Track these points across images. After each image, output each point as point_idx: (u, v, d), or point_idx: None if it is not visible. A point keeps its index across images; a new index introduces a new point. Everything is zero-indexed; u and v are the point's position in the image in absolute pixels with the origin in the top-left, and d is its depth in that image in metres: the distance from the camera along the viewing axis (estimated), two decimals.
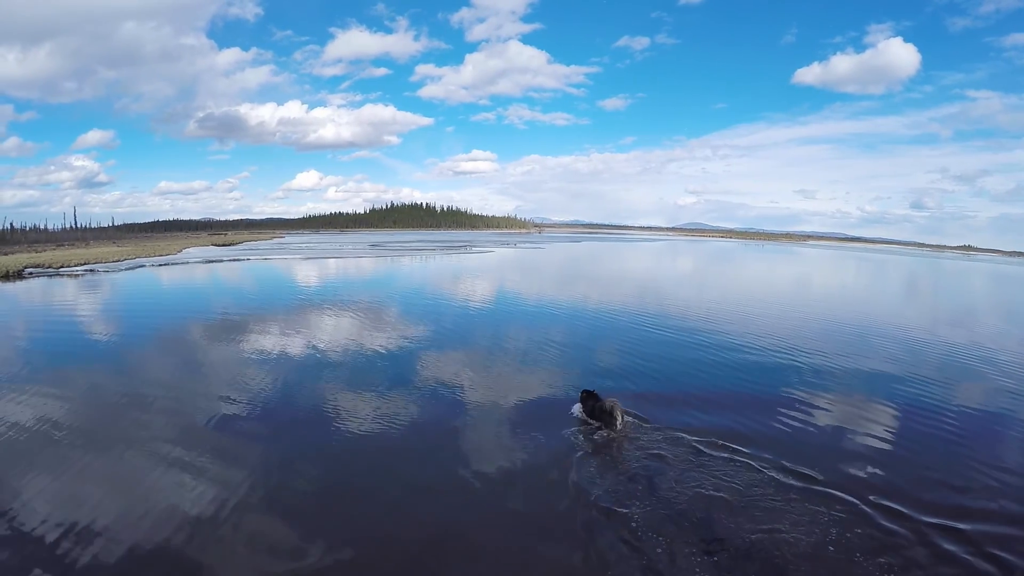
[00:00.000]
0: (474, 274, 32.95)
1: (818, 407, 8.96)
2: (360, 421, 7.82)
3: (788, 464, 6.54)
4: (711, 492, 5.86)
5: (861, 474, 6.52)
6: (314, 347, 12.32)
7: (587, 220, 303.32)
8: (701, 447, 6.92)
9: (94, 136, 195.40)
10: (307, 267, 36.02)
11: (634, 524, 5.24)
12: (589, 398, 7.90)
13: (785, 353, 12.66)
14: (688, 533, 5.12)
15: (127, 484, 5.90)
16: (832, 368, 11.56)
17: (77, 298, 21.13)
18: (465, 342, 13.28)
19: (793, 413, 8.57)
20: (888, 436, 7.83)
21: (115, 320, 15.87)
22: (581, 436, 7.32)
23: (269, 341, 13.01)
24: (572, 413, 8.07)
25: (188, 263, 37.36)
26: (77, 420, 7.78)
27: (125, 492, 5.70)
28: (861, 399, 9.58)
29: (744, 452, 6.81)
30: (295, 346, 12.43)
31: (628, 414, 7.69)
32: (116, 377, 10.06)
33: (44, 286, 24.62)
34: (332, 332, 14.08)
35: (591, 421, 7.59)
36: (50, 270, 30.94)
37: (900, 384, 10.49)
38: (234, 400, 8.67)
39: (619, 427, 7.23)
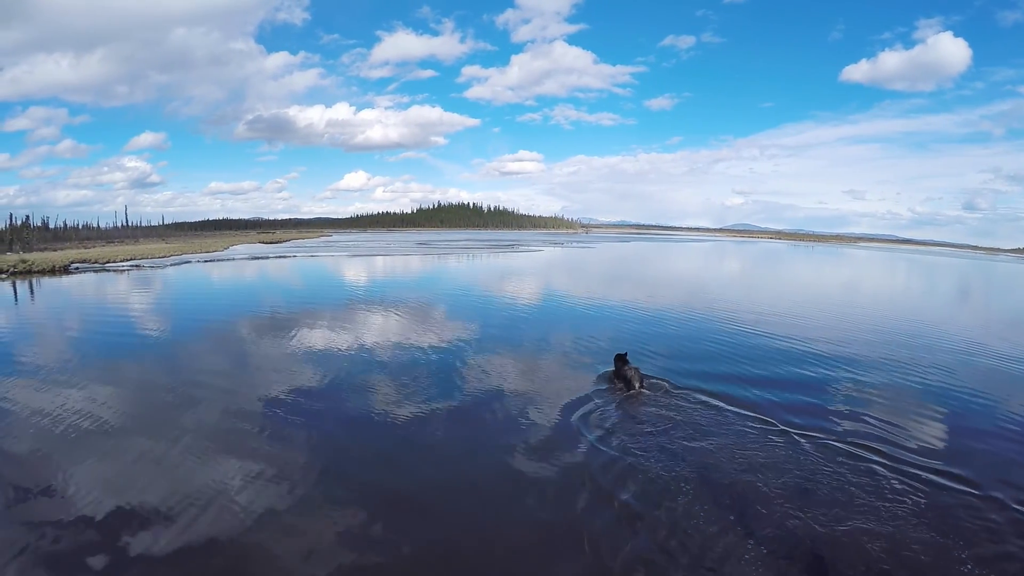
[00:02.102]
0: (529, 272, 30.60)
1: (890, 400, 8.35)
2: (409, 414, 7.40)
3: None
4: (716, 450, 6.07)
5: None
6: (364, 342, 11.45)
7: (634, 221, 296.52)
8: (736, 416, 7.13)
9: (146, 138, 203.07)
10: (355, 264, 34.30)
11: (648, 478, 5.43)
12: (618, 361, 8.64)
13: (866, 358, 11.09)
14: (707, 491, 5.22)
15: (172, 473, 5.69)
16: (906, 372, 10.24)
17: (117, 292, 20.46)
18: (523, 333, 12.94)
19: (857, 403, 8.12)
20: (941, 424, 7.46)
21: (156, 314, 15.21)
22: (607, 393, 8.02)
23: (313, 336, 12.13)
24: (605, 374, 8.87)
25: (233, 259, 36.49)
26: (110, 415, 7.26)
27: (171, 481, 5.50)
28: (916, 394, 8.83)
29: (795, 432, 6.66)
30: (343, 341, 11.56)
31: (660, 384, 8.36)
32: (153, 370, 9.56)
33: (86, 280, 24.18)
34: (382, 328, 12.98)
35: (617, 382, 8.36)
36: (96, 265, 30.46)
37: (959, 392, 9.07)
38: (277, 392, 8.19)
39: (637, 388, 7.93)
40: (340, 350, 10.73)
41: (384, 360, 10.00)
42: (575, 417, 7.06)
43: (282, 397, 7.91)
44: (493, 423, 7.07)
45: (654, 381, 8.39)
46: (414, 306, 16.24)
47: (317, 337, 11.91)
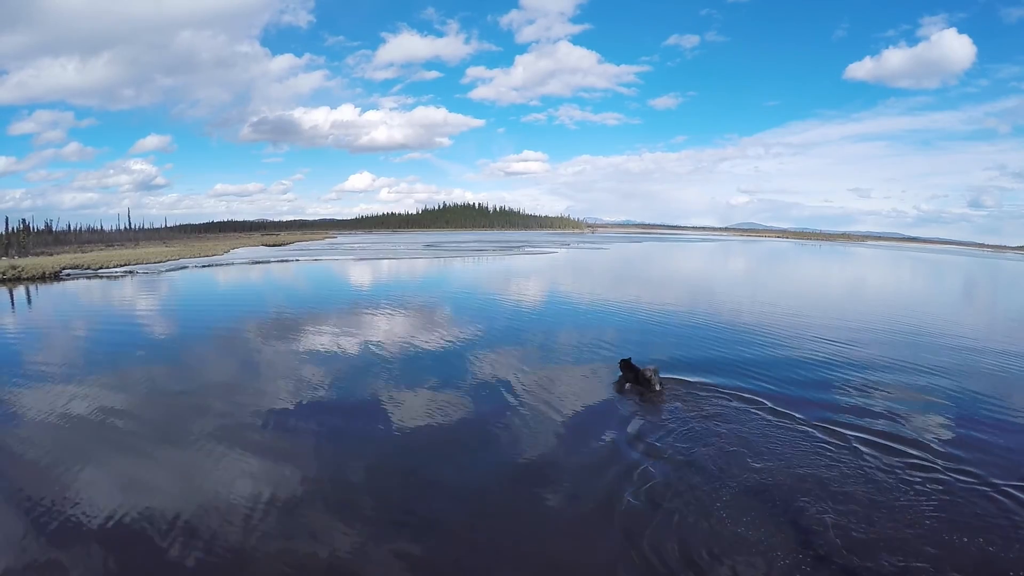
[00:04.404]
0: (550, 275, 29.06)
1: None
2: (426, 415, 7.54)
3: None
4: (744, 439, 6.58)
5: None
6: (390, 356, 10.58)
7: (639, 220, 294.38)
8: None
9: (152, 141, 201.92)
10: (362, 271, 32.76)
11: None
12: (628, 368, 8.81)
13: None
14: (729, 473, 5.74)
15: (176, 473, 5.74)
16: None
17: (101, 302, 19.28)
18: (550, 335, 13.17)
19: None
20: (950, 402, 8.12)
21: (135, 329, 14.00)
22: (626, 397, 8.30)
23: (313, 346, 11.11)
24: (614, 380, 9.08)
25: (233, 264, 35.05)
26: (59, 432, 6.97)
27: (174, 480, 5.55)
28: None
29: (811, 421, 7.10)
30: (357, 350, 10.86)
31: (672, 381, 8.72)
32: (130, 384, 9.18)
33: (74, 289, 22.89)
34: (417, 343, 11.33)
35: (633, 385, 8.54)
36: (88, 271, 29.06)
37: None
38: (275, 397, 8.31)
39: (657, 390, 8.23)
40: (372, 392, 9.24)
41: (447, 388, 8.89)
42: (616, 424, 7.32)
43: (283, 400, 7.64)
44: (518, 422, 7.38)
45: (671, 380, 8.80)
46: (452, 319, 15.04)
47: (325, 377, 10.31)
